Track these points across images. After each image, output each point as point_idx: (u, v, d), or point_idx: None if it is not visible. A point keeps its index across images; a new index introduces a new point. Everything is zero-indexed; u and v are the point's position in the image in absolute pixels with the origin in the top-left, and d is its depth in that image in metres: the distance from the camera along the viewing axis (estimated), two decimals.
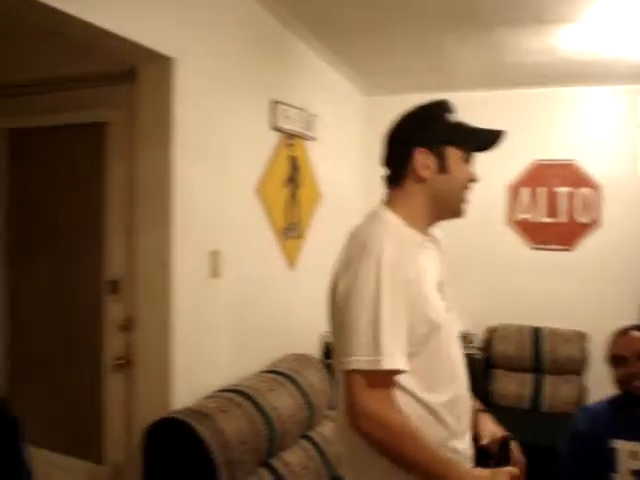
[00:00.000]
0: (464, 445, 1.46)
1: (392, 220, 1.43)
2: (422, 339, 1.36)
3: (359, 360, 1.29)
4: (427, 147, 1.44)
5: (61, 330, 2.77)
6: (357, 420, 1.31)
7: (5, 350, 2.92)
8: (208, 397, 2.30)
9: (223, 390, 2.37)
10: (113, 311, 2.53)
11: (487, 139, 1.50)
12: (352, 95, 4.06)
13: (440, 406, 1.39)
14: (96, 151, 2.57)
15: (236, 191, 2.63)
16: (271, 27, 2.86)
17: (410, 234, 1.43)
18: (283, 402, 2.42)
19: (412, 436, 1.30)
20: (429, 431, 1.35)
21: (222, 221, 2.51)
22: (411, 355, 1.33)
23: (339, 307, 1.38)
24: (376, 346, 1.27)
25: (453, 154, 1.45)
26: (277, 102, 2.90)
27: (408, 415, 1.34)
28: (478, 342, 3.93)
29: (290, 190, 3.10)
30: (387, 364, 1.27)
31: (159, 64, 2.18)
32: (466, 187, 1.48)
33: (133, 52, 2.10)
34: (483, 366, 3.84)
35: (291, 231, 3.11)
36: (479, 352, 3.85)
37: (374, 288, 1.30)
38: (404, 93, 3.72)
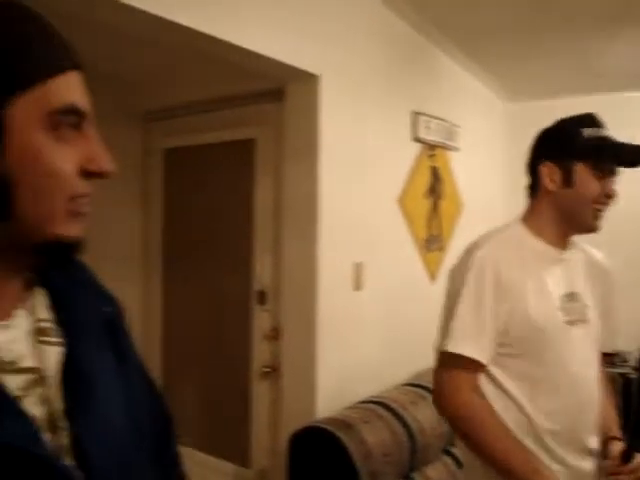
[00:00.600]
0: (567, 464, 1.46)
1: (517, 229, 1.53)
2: (521, 342, 1.43)
3: (435, 342, 1.49)
4: (554, 161, 1.48)
5: (211, 336, 2.93)
6: (434, 398, 1.50)
7: (159, 353, 3.14)
8: (350, 408, 2.32)
9: (365, 401, 2.38)
10: (261, 320, 2.63)
11: (629, 154, 1.46)
12: (493, 103, 3.95)
13: (539, 412, 1.43)
14: (244, 167, 2.70)
15: (378, 203, 2.64)
16: (410, 37, 2.86)
17: (534, 244, 1.50)
18: (425, 415, 2.38)
19: (489, 425, 1.40)
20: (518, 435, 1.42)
21: (365, 233, 2.53)
22: (509, 356, 1.44)
23: None
24: (446, 331, 1.44)
25: (581, 169, 1.46)
26: (418, 113, 2.88)
27: (499, 413, 1.43)
28: (634, 361, 3.64)
29: (431, 201, 3.06)
30: (451, 347, 1.41)
31: (305, 82, 2.25)
32: (597, 202, 1.47)
33: (281, 72, 2.18)
34: (638, 387, 3.55)
35: (433, 243, 3.07)
36: (634, 371, 3.57)
37: (460, 282, 1.44)
38: (547, 98, 3.57)
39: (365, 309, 2.55)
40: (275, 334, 2.54)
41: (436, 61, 3.15)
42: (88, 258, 2.93)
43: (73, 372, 0.72)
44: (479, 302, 1.41)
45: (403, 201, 2.81)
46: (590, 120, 1.50)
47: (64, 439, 0.69)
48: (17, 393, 0.66)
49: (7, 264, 0.68)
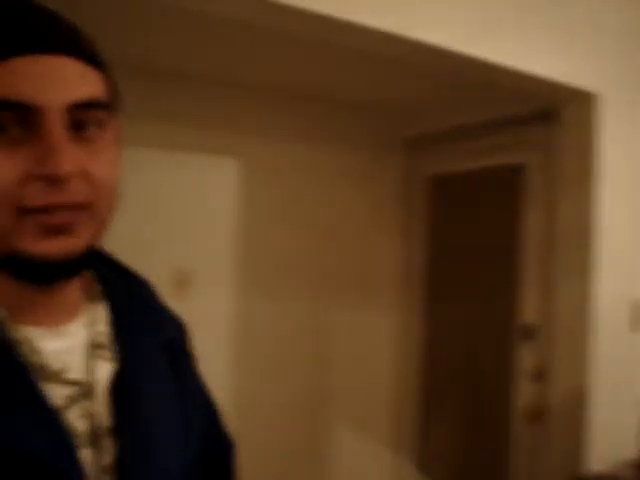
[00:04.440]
0: None
1: None
2: None
3: None
4: None
5: (469, 372, 2.82)
6: None
7: (415, 385, 3.11)
8: (624, 464, 2.06)
9: None
10: (524, 358, 2.46)
11: None
12: None
13: None
14: (511, 193, 2.57)
15: None
16: None
17: None
18: None
19: None
20: None
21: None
22: None
23: None
24: None
25: None
26: None
27: None
28: None
29: None
30: None
31: (582, 102, 2.07)
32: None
33: (553, 92, 2.04)
34: None
35: None
36: None
37: None
38: None
39: None
40: (540, 374, 2.35)
41: None
42: (349, 284, 3.04)
43: (123, 390, 0.69)
44: None
45: None
46: None
47: (107, 457, 0.66)
48: (60, 404, 0.63)
49: (17, 279, 0.63)
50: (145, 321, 0.78)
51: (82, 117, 0.60)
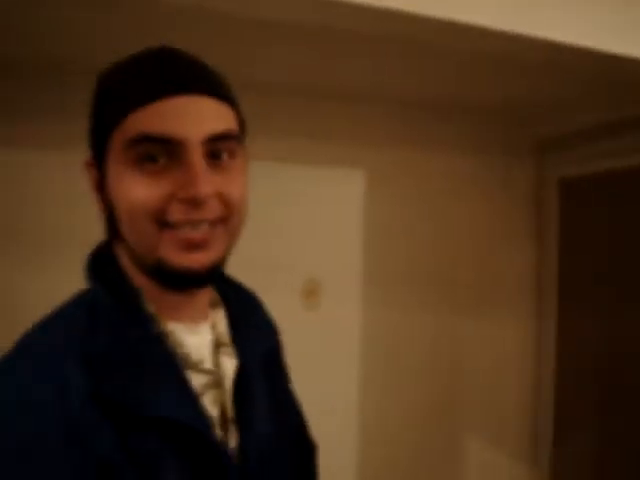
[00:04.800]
0: None
1: None
2: None
3: None
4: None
5: (610, 383, 2.65)
6: None
7: (551, 394, 2.97)
8: None
9: None
10: None
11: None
12: None
13: None
14: None
15: None
16: None
17: None
18: None
19: None
20: None
21: None
22: None
23: None
24: None
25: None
26: None
27: None
28: None
29: None
30: None
31: None
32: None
33: None
34: None
35: None
36: None
37: None
38: None
39: None
40: None
41: None
42: (480, 292, 2.97)
43: (241, 386, 0.81)
44: None
45: None
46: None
47: (233, 441, 0.78)
48: (197, 389, 0.75)
49: (151, 280, 0.75)
50: (255, 328, 0.92)
51: (217, 147, 0.72)
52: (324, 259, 2.59)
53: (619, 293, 2.62)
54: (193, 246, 0.70)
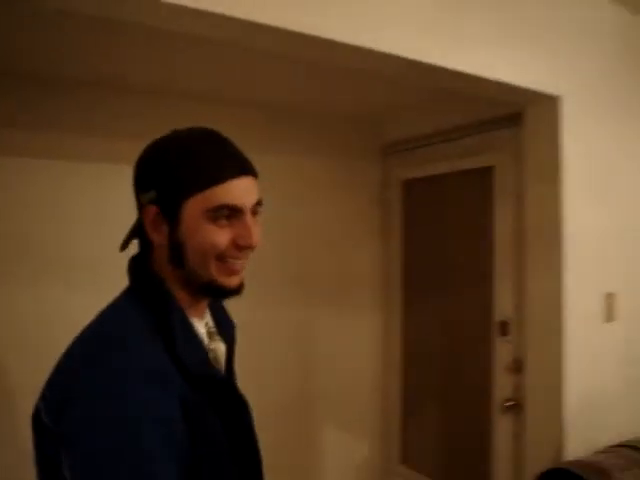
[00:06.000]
0: None
1: None
2: None
3: None
4: None
5: (450, 367, 2.90)
6: None
7: (398, 380, 3.20)
8: (601, 452, 2.13)
9: (620, 445, 2.16)
10: (502, 352, 2.55)
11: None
12: None
13: None
14: (482, 195, 2.67)
15: (632, 227, 2.42)
16: None
17: None
18: None
19: None
20: None
21: (618, 262, 2.34)
22: None
23: None
24: None
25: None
26: None
27: None
28: None
29: None
30: None
31: (545, 105, 2.16)
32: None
33: (517, 97, 2.13)
34: None
35: None
36: None
37: None
38: None
39: (616, 343, 2.34)
40: (517, 366, 2.44)
41: None
42: (335, 285, 3.12)
43: (230, 361, 1.22)
44: None
45: None
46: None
47: None
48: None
49: (195, 293, 1.09)
50: (225, 323, 1.27)
51: (255, 210, 1.07)
52: None
53: (448, 284, 2.90)
54: (234, 273, 1.06)
